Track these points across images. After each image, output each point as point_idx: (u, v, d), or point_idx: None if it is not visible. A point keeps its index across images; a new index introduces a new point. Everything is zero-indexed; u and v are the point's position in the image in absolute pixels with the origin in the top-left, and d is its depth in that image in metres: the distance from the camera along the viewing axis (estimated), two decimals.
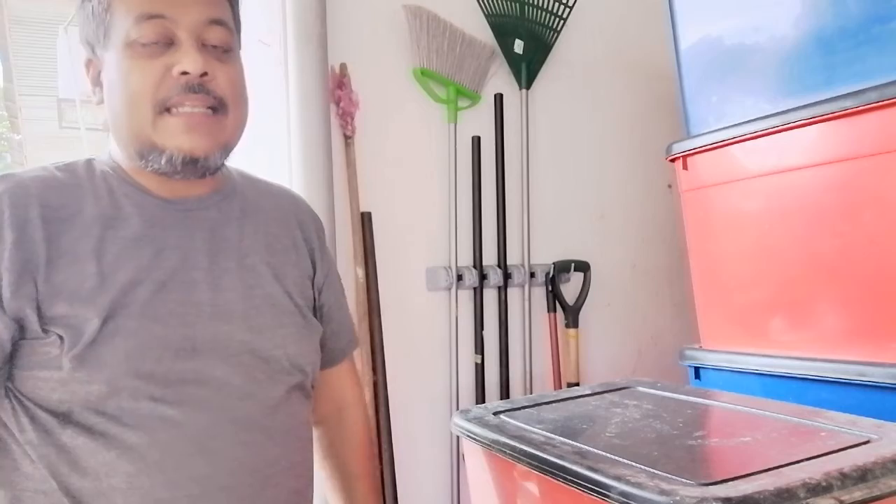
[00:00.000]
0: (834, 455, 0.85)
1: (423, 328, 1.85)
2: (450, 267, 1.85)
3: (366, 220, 1.73)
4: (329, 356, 1.02)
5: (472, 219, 1.90)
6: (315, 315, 0.96)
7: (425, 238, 1.86)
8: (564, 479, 0.88)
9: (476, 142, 1.89)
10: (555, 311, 2.00)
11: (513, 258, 1.96)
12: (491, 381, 1.91)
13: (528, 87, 1.97)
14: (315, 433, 1.02)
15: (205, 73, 0.79)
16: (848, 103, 1.22)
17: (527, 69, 1.96)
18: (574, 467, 0.87)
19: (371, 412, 1.66)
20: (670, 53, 1.64)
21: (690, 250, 1.63)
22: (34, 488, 0.76)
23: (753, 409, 1.12)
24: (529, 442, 0.97)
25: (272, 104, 1.62)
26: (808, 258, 1.35)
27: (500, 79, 1.96)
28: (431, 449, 1.84)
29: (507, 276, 1.92)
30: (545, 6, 1.96)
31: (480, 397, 1.88)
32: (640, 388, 1.30)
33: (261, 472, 0.83)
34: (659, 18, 1.68)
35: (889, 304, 1.22)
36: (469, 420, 1.12)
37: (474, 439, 1.09)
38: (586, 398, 1.25)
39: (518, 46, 1.93)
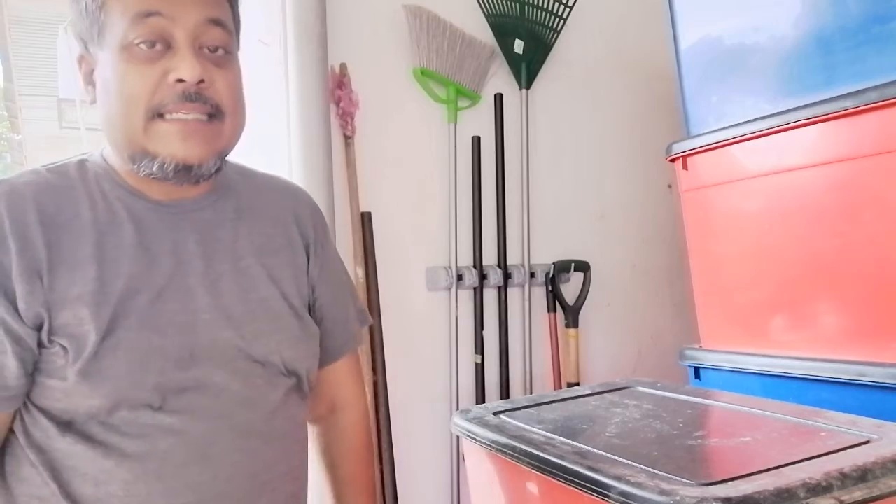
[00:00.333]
0: (834, 455, 0.85)
1: (423, 328, 1.85)
2: (450, 267, 1.85)
3: (366, 220, 1.73)
4: (323, 354, 0.98)
5: (472, 219, 1.90)
6: (311, 312, 0.94)
7: (425, 238, 1.86)
8: (564, 479, 0.88)
9: (476, 142, 1.89)
10: (555, 311, 2.00)
11: (513, 258, 1.96)
12: (491, 381, 1.91)
13: (528, 87, 1.97)
14: (311, 432, 1.00)
15: (201, 81, 0.77)
16: (848, 103, 1.22)
17: (527, 69, 1.96)
18: (574, 467, 0.87)
19: (371, 412, 1.65)
20: (670, 53, 1.64)
21: (690, 250, 1.63)
22: (30, 493, 0.76)
23: (753, 409, 1.12)
24: (529, 442, 0.97)
25: (272, 104, 1.62)
26: (808, 258, 1.35)
27: (500, 79, 1.96)
28: (431, 449, 1.84)
29: (507, 276, 1.92)
30: (545, 6, 1.96)
31: (480, 397, 1.88)
32: (640, 388, 1.30)
33: (258, 477, 0.83)
34: (659, 18, 1.68)
35: (889, 304, 1.22)
36: (469, 420, 1.12)
37: (474, 439, 1.09)
38: (586, 398, 1.26)
39: (518, 46, 1.93)
